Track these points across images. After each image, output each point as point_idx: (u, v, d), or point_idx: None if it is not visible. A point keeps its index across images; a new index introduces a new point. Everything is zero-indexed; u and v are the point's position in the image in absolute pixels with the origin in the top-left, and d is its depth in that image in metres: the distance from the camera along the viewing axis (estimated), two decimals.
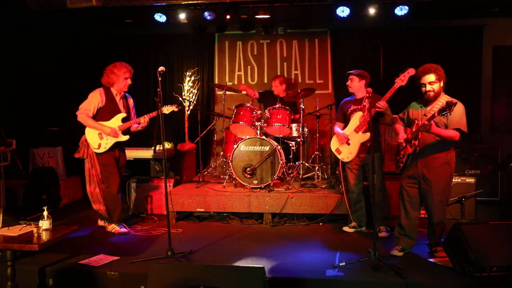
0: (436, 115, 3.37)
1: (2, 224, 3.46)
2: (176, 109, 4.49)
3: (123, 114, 4.53)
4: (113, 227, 4.60)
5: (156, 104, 3.89)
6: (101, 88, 4.51)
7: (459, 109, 3.53)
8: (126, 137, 4.55)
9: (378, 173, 4.33)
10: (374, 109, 3.94)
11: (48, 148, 6.24)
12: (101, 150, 4.45)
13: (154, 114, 4.43)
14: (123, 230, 4.60)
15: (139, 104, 5.79)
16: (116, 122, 4.49)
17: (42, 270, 3.51)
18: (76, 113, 4.44)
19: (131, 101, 4.74)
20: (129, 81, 4.52)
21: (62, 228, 3.48)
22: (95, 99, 4.45)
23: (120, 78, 4.46)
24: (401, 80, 3.87)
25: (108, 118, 4.48)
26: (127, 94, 4.68)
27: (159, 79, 3.78)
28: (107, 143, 4.46)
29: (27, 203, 5.66)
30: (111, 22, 6.76)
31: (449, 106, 3.26)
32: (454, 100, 3.37)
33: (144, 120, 4.48)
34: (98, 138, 4.45)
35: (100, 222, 4.76)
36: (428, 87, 3.61)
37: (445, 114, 3.35)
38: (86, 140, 4.49)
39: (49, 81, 6.68)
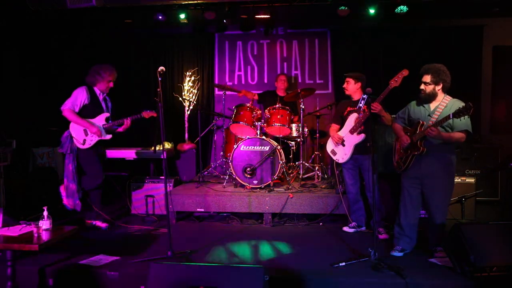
0: (451, 117, 3.32)
1: (2, 224, 3.46)
2: (155, 115, 4.63)
3: (106, 114, 4.68)
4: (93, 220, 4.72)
5: (156, 104, 3.90)
6: (85, 86, 4.60)
7: None
8: (109, 136, 4.68)
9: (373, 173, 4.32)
10: (366, 116, 3.92)
11: (48, 148, 6.25)
12: (86, 146, 4.56)
13: (136, 116, 4.61)
14: (101, 224, 4.72)
15: (139, 104, 5.78)
16: (100, 120, 4.62)
17: (42, 270, 3.51)
18: (61, 108, 4.50)
19: (110, 104, 4.85)
20: (111, 84, 4.68)
21: (62, 228, 3.48)
22: (80, 96, 4.54)
23: (104, 81, 4.61)
24: (395, 81, 3.89)
25: (92, 115, 4.59)
26: (107, 97, 4.81)
27: (159, 79, 3.78)
28: (92, 139, 4.57)
29: (27, 203, 5.65)
30: (111, 22, 6.76)
31: (467, 110, 3.18)
32: (471, 104, 3.27)
33: (127, 122, 4.63)
34: (84, 134, 4.55)
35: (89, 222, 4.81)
36: (422, 86, 3.63)
37: (461, 116, 3.28)
38: (70, 135, 4.56)
39: (49, 81, 6.68)
